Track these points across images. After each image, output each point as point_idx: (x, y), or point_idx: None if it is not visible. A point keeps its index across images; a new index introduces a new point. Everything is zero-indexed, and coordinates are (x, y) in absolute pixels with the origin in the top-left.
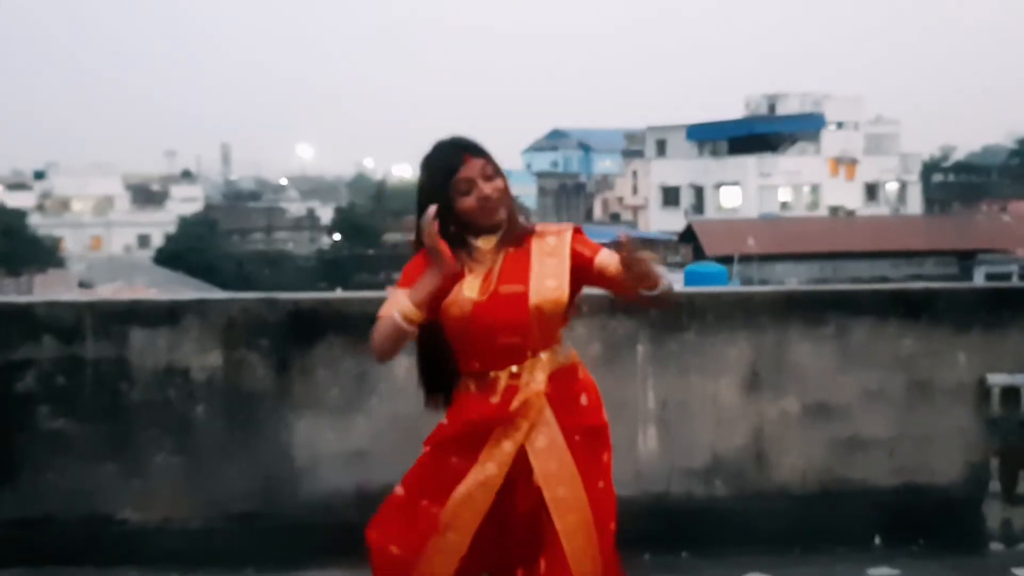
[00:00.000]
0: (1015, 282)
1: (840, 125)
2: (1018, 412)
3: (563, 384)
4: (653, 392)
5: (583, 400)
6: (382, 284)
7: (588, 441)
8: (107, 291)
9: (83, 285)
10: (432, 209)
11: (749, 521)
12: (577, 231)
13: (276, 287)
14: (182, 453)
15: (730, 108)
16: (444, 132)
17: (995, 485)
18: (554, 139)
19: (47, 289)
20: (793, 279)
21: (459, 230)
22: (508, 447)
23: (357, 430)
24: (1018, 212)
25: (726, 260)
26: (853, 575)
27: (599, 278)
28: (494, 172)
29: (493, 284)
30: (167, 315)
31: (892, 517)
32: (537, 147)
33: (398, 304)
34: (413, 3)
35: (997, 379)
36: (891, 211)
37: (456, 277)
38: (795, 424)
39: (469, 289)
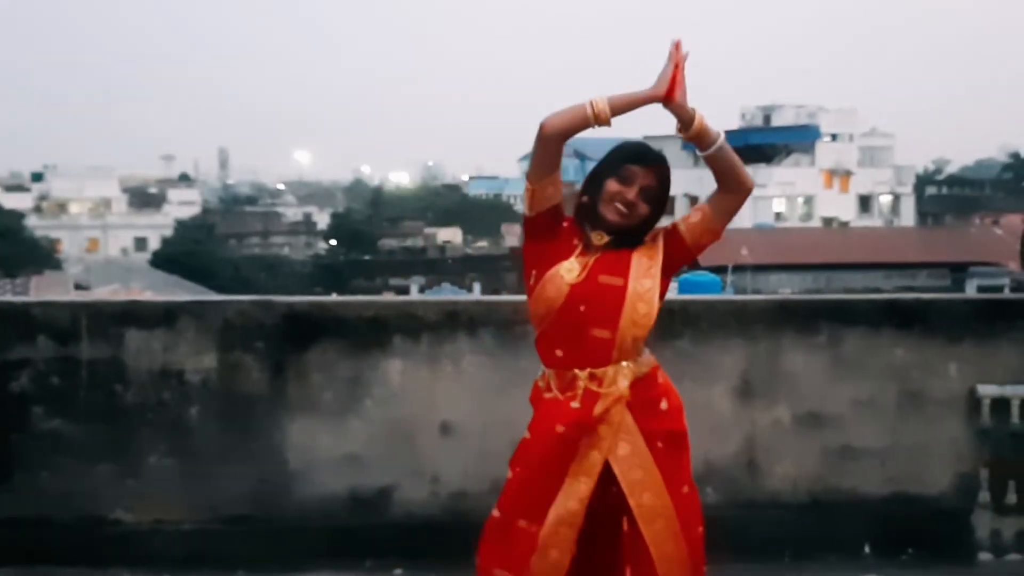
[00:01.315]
0: (1007, 294)
1: (834, 137)
2: (1008, 423)
3: (644, 390)
4: None
5: (663, 405)
6: (378, 289)
7: (670, 446)
8: (103, 293)
9: (79, 287)
10: (679, 40)
11: (740, 529)
12: (671, 227)
13: (272, 291)
14: (176, 455)
15: (725, 119)
16: (441, 143)
17: (985, 496)
18: None
19: (43, 291)
20: (787, 289)
21: (588, 212)
22: (596, 458)
23: (351, 433)
24: (1010, 225)
25: (720, 270)
26: None
27: (694, 234)
28: (652, 196)
29: (592, 271)
30: (163, 317)
31: (882, 526)
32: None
33: (599, 101)
34: (414, 14)
35: (988, 390)
36: (884, 223)
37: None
38: (787, 433)
39: (568, 272)
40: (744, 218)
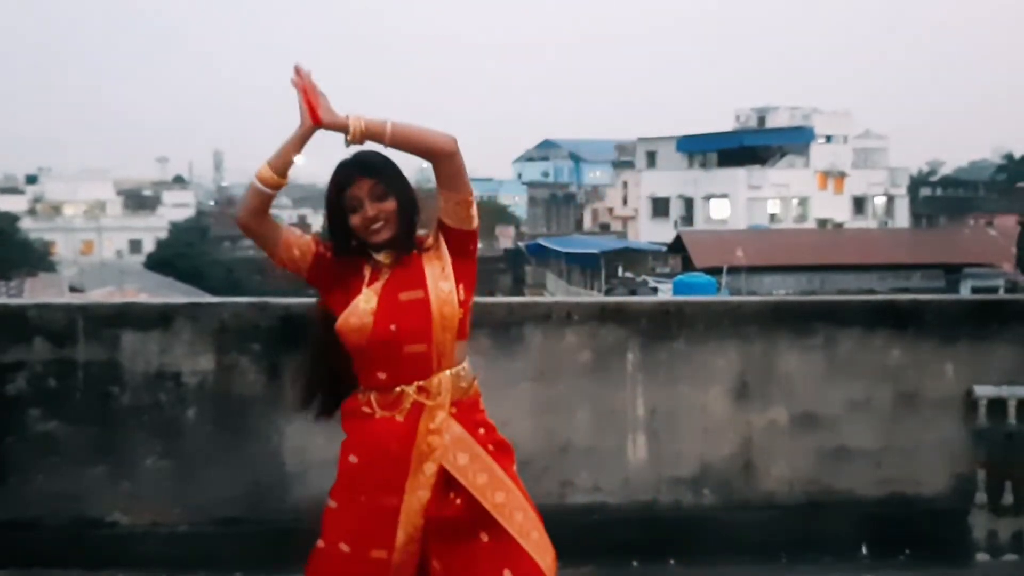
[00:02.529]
0: (1001, 295)
1: (829, 139)
2: (1004, 424)
3: (469, 411)
4: (642, 400)
5: (481, 431)
6: None
7: (499, 451)
8: (98, 295)
9: (74, 289)
10: (298, 64)
11: (736, 530)
12: (437, 221)
13: (266, 293)
14: (172, 457)
15: (720, 121)
16: None
17: (981, 496)
18: (545, 149)
19: (38, 293)
20: (781, 291)
21: (359, 244)
22: (431, 468)
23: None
24: (1004, 227)
25: (715, 271)
26: None
27: (451, 210)
28: (385, 192)
29: (388, 292)
30: (159, 319)
31: (878, 527)
32: (528, 157)
33: (259, 170)
34: (403, 15)
35: (984, 391)
36: (879, 224)
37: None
38: (783, 434)
39: (366, 302)
40: (739, 220)
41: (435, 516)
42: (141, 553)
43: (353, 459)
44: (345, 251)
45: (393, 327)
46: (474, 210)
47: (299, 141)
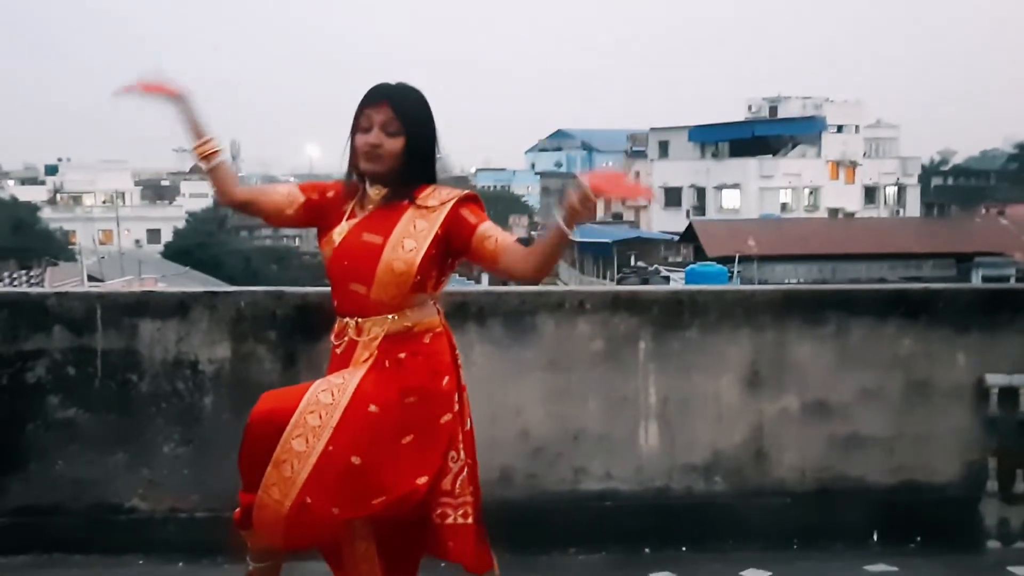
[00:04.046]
0: (1013, 284)
1: (840, 128)
2: (1016, 412)
3: (400, 342)
4: (654, 388)
5: (417, 359)
6: None
7: (423, 402)
8: (117, 284)
9: (93, 279)
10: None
11: (748, 517)
12: (467, 198)
13: (283, 283)
14: (190, 444)
15: (732, 111)
16: (449, 136)
17: (992, 484)
18: (558, 139)
19: (58, 282)
20: (793, 280)
21: (357, 171)
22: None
23: None
24: (1016, 216)
25: (727, 260)
26: (850, 572)
27: (477, 251)
28: (398, 129)
29: (355, 230)
30: (176, 308)
31: (890, 515)
32: (541, 147)
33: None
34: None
35: (995, 379)
36: (890, 214)
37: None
38: (794, 422)
39: (338, 234)
40: (751, 209)
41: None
42: (160, 539)
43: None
44: (348, 175)
45: (345, 263)
46: (479, 261)
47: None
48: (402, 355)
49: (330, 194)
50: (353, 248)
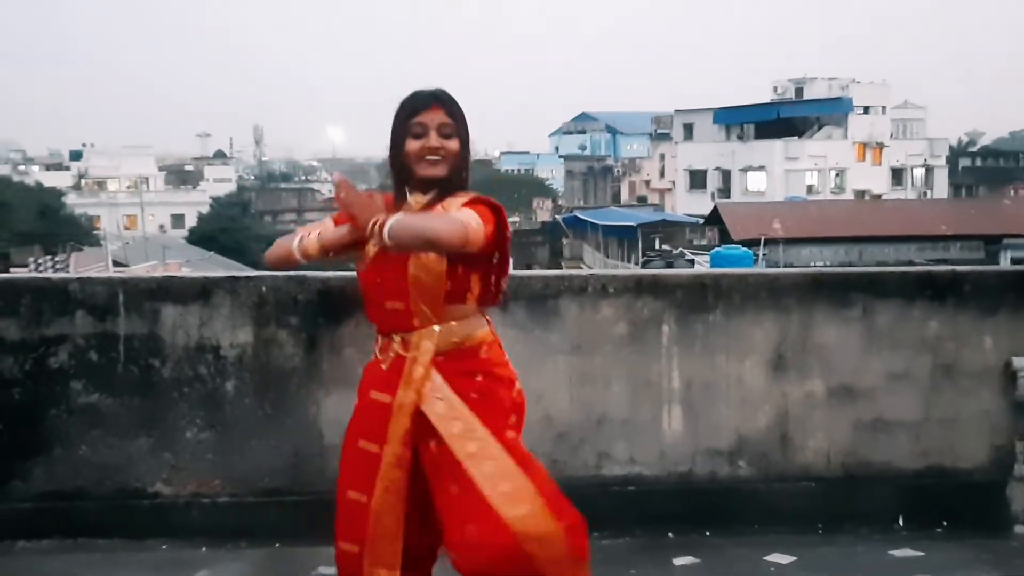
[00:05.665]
0: None
1: (867, 110)
2: None
3: (460, 360)
4: (678, 372)
5: (478, 377)
6: None
7: (486, 399)
8: (141, 270)
9: (117, 264)
10: (337, 175)
11: (772, 501)
12: (474, 201)
13: (306, 267)
14: (212, 429)
15: (757, 92)
16: (473, 119)
17: (1020, 468)
18: (582, 122)
19: (82, 267)
20: (819, 262)
21: (402, 179)
22: (404, 423)
23: None
24: None
25: (752, 243)
26: (875, 557)
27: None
28: (453, 132)
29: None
30: (199, 293)
31: (915, 499)
32: (565, 130)
33: (311, 234)
34: None
35: (1023, 362)
36: (917, 195)
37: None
38: (820, 406)
39: (371, 247)
40: (776, 191)
41: (422, 462)
42: (183, 523)
43: (357, 400)
44: (397, 185)
45: (378, 280)
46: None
47: (348, 240)
48: (463, 374)
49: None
50: (383, 264)
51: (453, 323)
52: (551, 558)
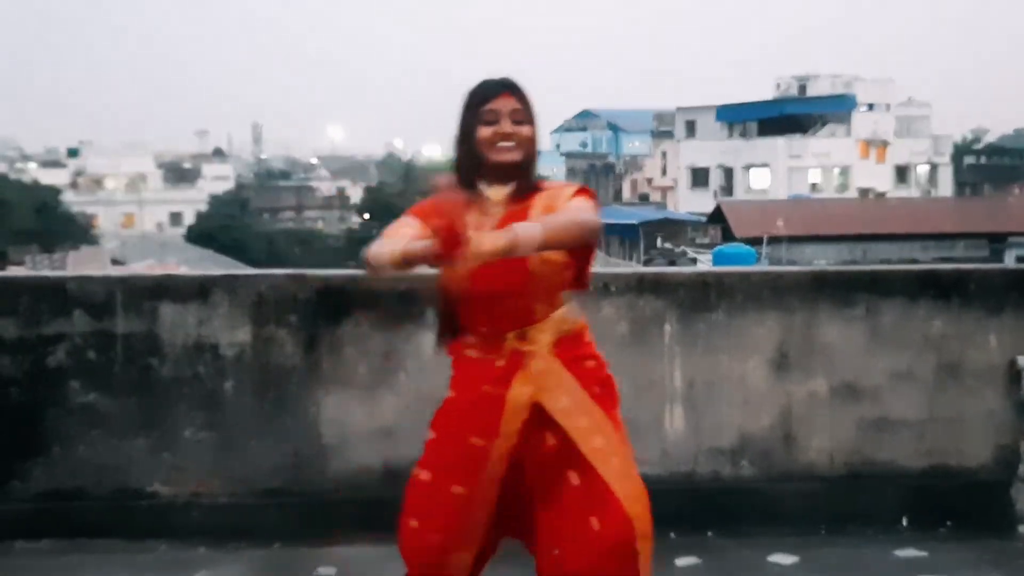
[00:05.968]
0: None
1: (871, 107)
2: None
3: (572, 347)
4: (680, 371)
5: (590, 363)
6: None
7: (605, 392)
8: (139, 268)
9: (115, 262)
10: (442, 178)
11: (775, 501)
12: (581, 191)
13: (306, 265)
14: (211, 428)
15: (760, 89)
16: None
17: None
18: (583, 119)
19: (80, 266)
20: (822, 261)
21: (474, 175)
22: (522, 416)
23: (385, 407)
24: None
25: (755, 241)
26: (879, 557)
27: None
28: (525, 118)
29: None
30: (197, 291)
31: (920, 499)
32: (566, 127)
33: (392, 242)
34: None
35: None
36: (922, 193)
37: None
38: (823, 405)
39: (475, 261)
40: (780, 189)
41: (528, 457)
42: (182, 523)
43: (453, 395)
44: (466, 177)
45: (489, 283)
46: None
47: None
48: (579, 358)
49: (439, 210)
50: (494, 266)
51: (563, 310)
52: (647, 559)
